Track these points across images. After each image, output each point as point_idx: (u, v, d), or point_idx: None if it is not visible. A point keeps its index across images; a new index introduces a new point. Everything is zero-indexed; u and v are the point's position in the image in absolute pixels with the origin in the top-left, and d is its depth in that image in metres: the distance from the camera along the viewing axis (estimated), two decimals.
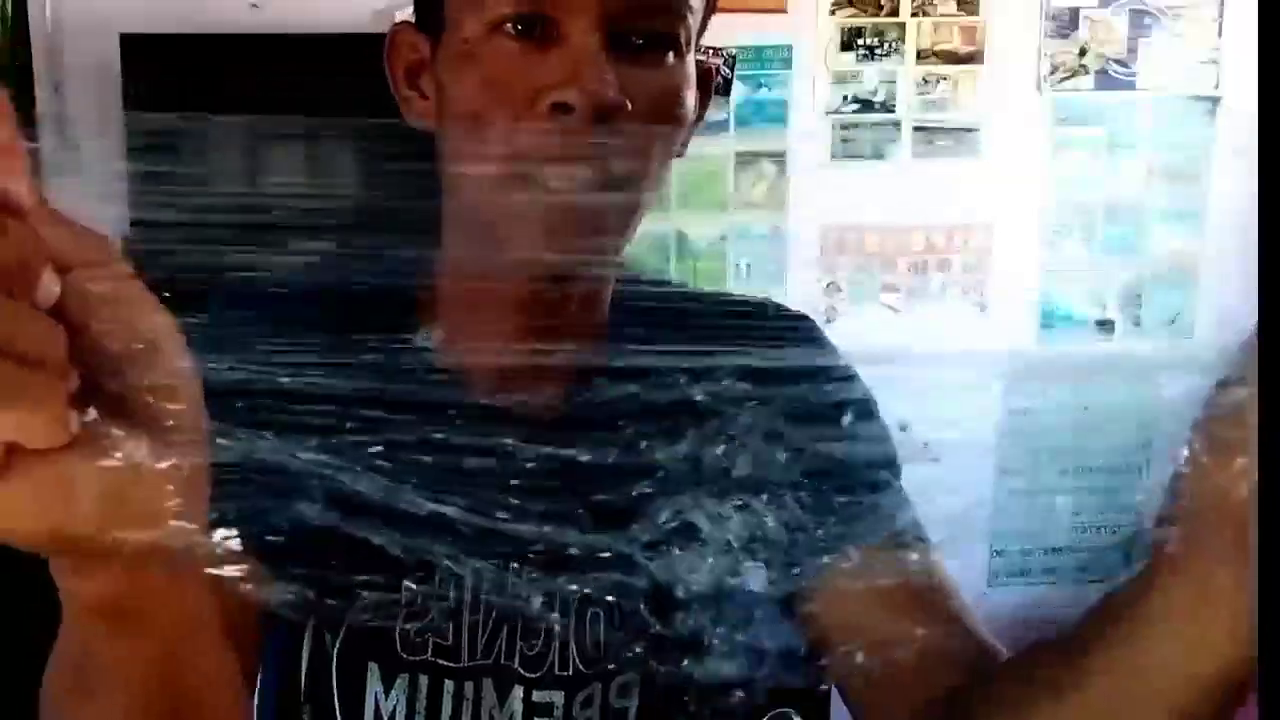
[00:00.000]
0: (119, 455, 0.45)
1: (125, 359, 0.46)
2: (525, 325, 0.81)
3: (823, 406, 0.84)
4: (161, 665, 0.56)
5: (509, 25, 0.73)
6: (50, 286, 0.43)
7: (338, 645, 0.84)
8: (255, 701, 0.93)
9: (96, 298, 0.45)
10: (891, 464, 0.91)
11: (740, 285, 2.64)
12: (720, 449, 0.83)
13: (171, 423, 0.47)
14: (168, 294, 0.51)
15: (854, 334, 2.77)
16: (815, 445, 0.83)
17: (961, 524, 2.93)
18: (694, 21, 0.77)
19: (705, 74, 0.82)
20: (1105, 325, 2.77)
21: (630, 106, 0.71)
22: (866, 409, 0.91)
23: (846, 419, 0.87)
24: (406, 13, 0.85)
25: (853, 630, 0.82)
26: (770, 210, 2.65)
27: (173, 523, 0.48)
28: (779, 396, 0.83)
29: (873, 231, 2.69)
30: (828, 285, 2.67)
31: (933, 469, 3.07)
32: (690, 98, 0.78)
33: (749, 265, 2.66)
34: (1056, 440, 2.80)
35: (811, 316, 0.97)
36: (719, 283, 2.64)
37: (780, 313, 0.96)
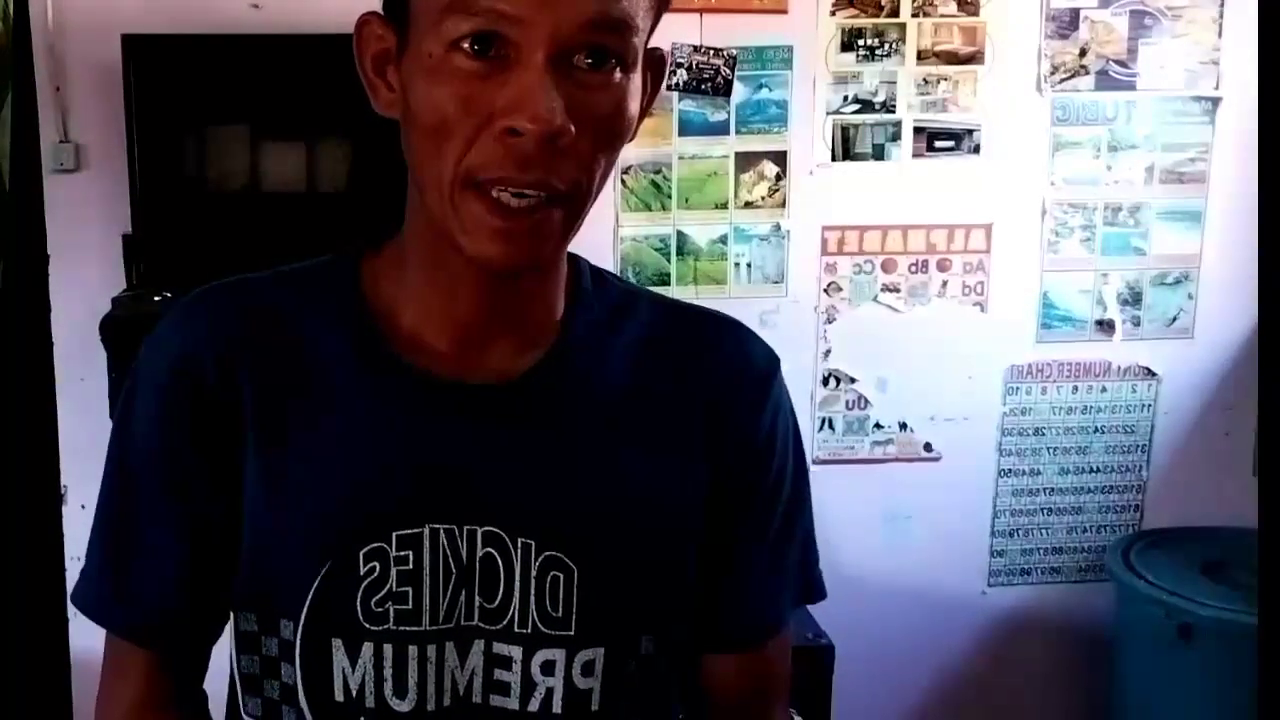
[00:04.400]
0: None
1: None
2: (477, 311, 0.88)
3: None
4: None
5: (466, 44, 0.77)
6: None
7: (299, 630, 0.86)
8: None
9: None
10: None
11: (740, 285, 2.65)
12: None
13: None
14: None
15: (854, 334, 2.77)
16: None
17: (961, 524, 2.93)
18: (640, 41, 0.82)
19: (658, 61, 0.86)
20: (1105, 325, 2.77)
21: (574, 130, 0.78)
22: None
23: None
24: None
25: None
26: (770, 210, 2.65)
27: None
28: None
29: (873, 231, 2.68)
30: (828, 285, 2.67)
31: (933, 469, 3.07)
32: (635, 107, 0.83)
33: (749, 265, 2.66)
34: (1056, 440, 2.80)
35: (780, 362, 0.98)
36: (719, 283, 2.64)
37: (749, 346, 0.98)
